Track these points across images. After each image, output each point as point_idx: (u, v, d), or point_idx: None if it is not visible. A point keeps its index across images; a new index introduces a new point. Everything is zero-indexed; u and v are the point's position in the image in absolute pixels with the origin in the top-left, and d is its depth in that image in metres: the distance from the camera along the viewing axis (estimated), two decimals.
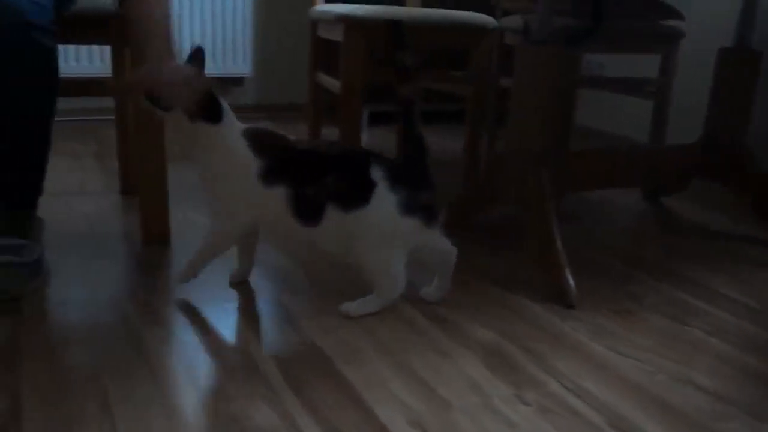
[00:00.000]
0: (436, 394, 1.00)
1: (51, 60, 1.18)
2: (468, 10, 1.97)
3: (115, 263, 1.43)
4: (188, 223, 1.66)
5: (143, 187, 1.50)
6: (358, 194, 1.16)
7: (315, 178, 1.17)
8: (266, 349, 1.11)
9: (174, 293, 1.29)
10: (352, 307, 1.23)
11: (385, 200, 1.16)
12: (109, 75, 1.81)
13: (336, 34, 1.91)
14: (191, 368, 1.04)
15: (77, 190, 1.88)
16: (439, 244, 1.26)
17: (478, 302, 1.32)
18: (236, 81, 3.12)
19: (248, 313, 1.24)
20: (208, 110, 1.17)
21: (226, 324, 1.20)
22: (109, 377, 1.00)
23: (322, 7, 2.03)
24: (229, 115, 1.20)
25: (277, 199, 1.17)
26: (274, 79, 3.19)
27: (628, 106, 2.79)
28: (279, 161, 1.19)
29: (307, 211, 1.17)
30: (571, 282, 1.34)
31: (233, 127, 1.20)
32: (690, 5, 2.33)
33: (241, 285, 1.34)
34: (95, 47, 2.68)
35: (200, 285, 1.31)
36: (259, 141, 1.20)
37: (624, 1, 2.09)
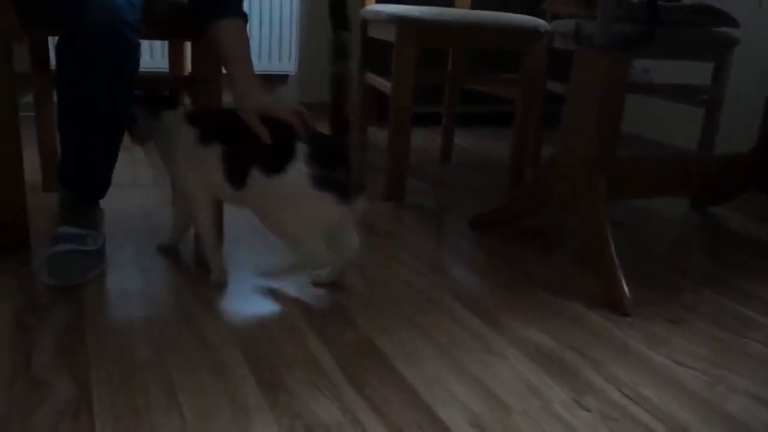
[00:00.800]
0: (496, 397, 1.00)
1: (136, 55, 1.22)
2: (516, 12, 1.97)
3: (172, 254, 1.45)
4: (241, 216, 1.68)
5: None
6: (277, 162, 1.21)
7: (243, 140, 1.24)
8: (324, 345, 1.12)
9: (230, 285, 1.31)
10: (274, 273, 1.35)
11: (298, 172, 1.20)
12: (164, 69, 1.84)
13: (388, 35, 1.92)
14: (252, 360, 1.06)
15: (131, 182, 1.91)
16: (349, 230, 1.31)
17: (531, 306, 1.32)
18: (281, 78, 3.14)
19: (305, 310, 1.25)
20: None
21: (283, 318, 1.21)
22: (173, 367, 1.02)
23: (374, 7, 2.04)
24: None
25: (212, 158, 1.26)
26: (319, 77, 3.22)
27: (674, 112, 2.75)
28: (215, 126, 1.29)
29: (235, 173, 1.24)
30: (626, 289, 1.33)
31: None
32: (745, 13, 2.30)
33: (242, 268, 1.36)
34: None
35: (255, 278, 1.32)
36: (196, 116, 1.32)
37: (679, 7, 2.06)
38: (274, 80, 3.14)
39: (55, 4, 1.17)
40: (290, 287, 1.33)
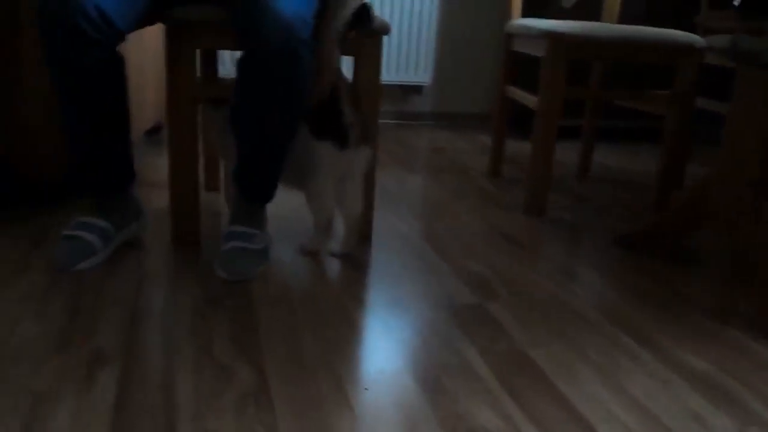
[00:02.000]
0: (660, 422, 0.99)
1: (307, 70, 1.29)
2: (660, 25, 1.92)
3: (323, 258, 1.53)
4: (388, 225, 1.75)
5: None
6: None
7: None
8: (478, 353, 1.15)
9: (386, 288, 1.37)
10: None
11: (301, 130, 1.40)
12: None
13: (536, 49, 1.93)
14: (409, 363, 1.10)
15: None
16: (352, 190, 1.49)
17: (689, 331, 1.29)
18: (416, 89, 3.21)
19: (454, 317, 1.28)
20: None
21: (434, 325, 1.25)
22: (339, 362, 1.08)
23: (522, 22, 2.05)
24: None
25: None
26: (453, 89, 3.26)
27: None
28: None
29: None
30: None
31: None
32: None
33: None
34: None
35: (403, 282, 1.37)
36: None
37: None
38: (408, 91, 3.21)
39: (239, 23, 1.27)
40: (439, 294, 1.37)
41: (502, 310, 1.32)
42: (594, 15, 2.68)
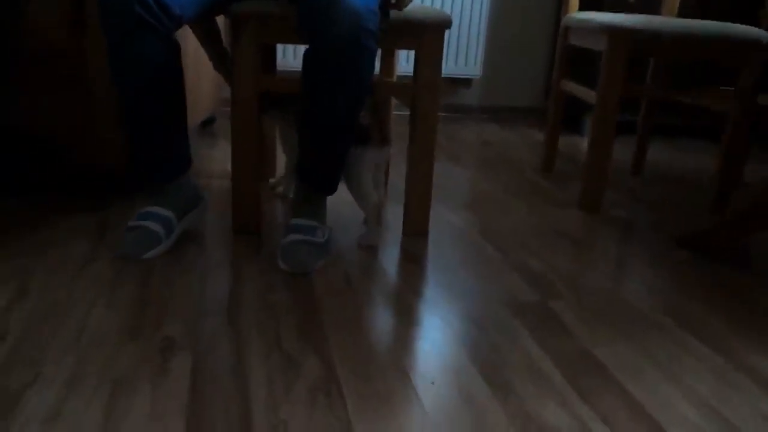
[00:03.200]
0: (731, 423, 0.98)
1: (372, 62, 1.30)
2: (717, 19, 1.88)
3: (380, 250, 1.54)
4: (442, 219, 1.75)
5: (410, 183, 1.59)
6: None
7: None
8: (543, 352, 1.14)
9: (446, 283, 1.37)
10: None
11: None
12: None
13: (595, 43, 1.90)
14: (478, 361, 1.10)
15: None
16: (369, 182, 1.52)
17: (756, 333, 1.26)
18: (465, 82, 3.19)
19: (519, 313, 1.28)
20: None
21: (498, 321, 1.25)
22: (404, 355, 1.09)
23: (580, 15, 2.02)
24: None
25: None
26: (502, 82, 3.23)
27: None
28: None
29: None
30: None
31: None
32: None
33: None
34: None
35: (462, 276, 1.37)
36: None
37: None
38: (458, 83, 3.20)
39: (306, 15, 1.27)
40: (499, 290, 1.37)
41: (564, 308, 1.31)
42: (651, 9, 2.63)
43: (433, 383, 1.03)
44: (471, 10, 3.02)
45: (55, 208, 1.63)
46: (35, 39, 1.56)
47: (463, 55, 3.08)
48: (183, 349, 1.07)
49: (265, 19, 1.41)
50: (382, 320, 1.21)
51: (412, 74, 1.54)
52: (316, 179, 1.43)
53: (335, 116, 1.32)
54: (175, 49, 1.36)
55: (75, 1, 1.54)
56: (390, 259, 1.50)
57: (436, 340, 1.16)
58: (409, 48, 1.49)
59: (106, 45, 1.30)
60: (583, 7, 2.43)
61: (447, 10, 3.01)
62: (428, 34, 1.48)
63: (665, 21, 1.84)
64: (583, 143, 2.83)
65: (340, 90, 1.29)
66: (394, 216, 1.75)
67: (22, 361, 1.01)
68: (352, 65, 1.26)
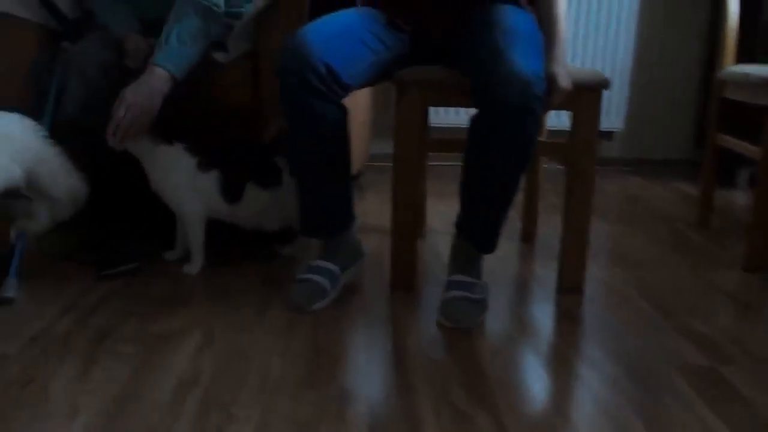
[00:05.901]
0: None
1: (539, 123, 1.34)
2: None
3: (535, 307, 1.54)
4: (597, 276, 1.73)
5: (566, 240, 1.59)
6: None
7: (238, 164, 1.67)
8: (720, 419, 1.10)
9: (607, 342, 1.36)
10: None
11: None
12: None
13: (755, 97, 1.84)
14: (651, 423, 1.08)
15: None
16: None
17: None
18: (606, 135, 3.16)
19: (688, 377, 1.24)
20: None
21: (666, 383, 1.22)
22: (576, 416, 1.09)
23: (740, 69, 1.97)
24: None
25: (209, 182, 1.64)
26: (645, 134, 3.17)
27: None
28: (213, 154, 1.66)
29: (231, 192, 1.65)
30: None
31: None
32: None
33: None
34: None
35: (623, 336, 1.35)
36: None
37: None
38: (600, 136, 3.16)
39: (476, 81, 1.33)
40: (665, 352, 1.33)
41: (738, 375, 1.25)
42: None
43: None
44: (613, 63, 3.00)
45: (228, 261, 1.77)
46: (219, 102, 1.74)
47: (604, 108, 3.05)
48: (358, 399, 1.13)
49: (431, 84, 1.50)
50: (546, 379, 1.22)
51: (558, 129, 1.56)
52: (479, 238, 1.47)
53: (502, 178, 1.37)
54: (343, 113, 1.47)
55: (255, 69, 1.71)
56: (545, 316, 1.50)
57: (605, 400, 1.15)
58: (567, 109, 1.52)
59: (282, 104, 1.43)
60: (737, 60, 2.35)
61: (587, 64, 3.01)
62: (585, 95, 1.50)
63: None
64: (738, 197, 2.70)
65: (509, 153, 1.33)
66: (546, 271, 1.75)
67: (216, 404, 1.10)
68: (521, 130, 1.30)
